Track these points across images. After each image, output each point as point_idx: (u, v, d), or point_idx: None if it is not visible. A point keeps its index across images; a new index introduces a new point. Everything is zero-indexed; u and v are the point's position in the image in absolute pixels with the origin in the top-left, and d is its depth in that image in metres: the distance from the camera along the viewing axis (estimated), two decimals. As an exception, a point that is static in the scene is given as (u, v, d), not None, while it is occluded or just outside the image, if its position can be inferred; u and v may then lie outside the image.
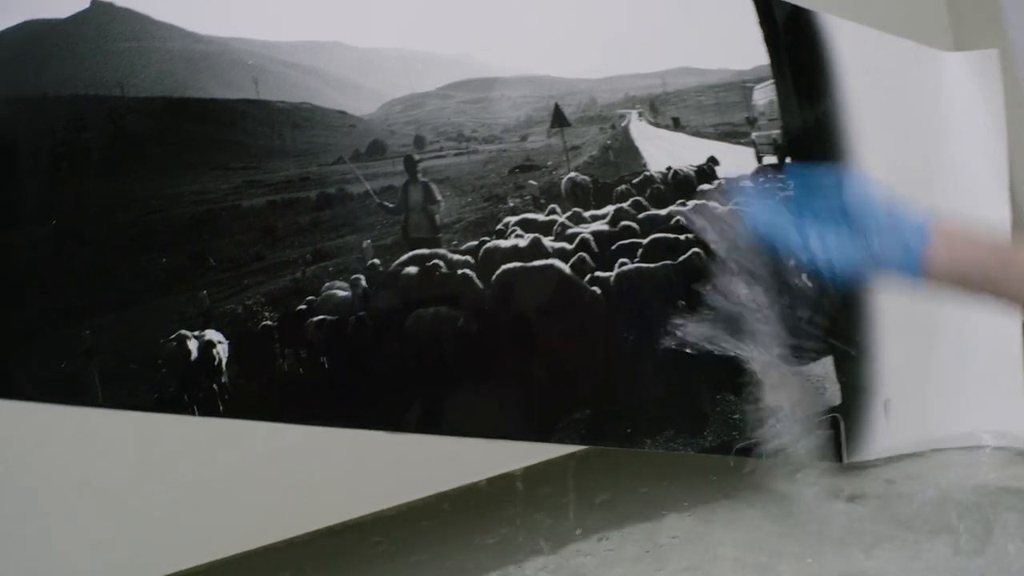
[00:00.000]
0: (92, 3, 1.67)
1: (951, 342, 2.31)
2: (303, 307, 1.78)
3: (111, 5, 1.68)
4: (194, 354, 1.69)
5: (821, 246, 1.38)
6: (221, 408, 1.70)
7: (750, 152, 2.24)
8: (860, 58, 2.33)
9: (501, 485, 1.97)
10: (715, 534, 1.99)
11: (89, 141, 1.65)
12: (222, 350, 1.72)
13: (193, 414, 1.68)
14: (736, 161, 2.22)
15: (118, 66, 1.68)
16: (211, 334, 1.71)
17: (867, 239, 1.36)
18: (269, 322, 1.75)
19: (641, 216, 2.08)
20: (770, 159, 2.25)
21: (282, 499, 1.73)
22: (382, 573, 1.90)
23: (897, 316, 2.27)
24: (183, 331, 1.69)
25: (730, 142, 2.23)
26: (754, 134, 2.25)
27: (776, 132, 2.24)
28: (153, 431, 1.67)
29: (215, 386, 1.70)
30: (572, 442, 1.95)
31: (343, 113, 1.86)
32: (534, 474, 2.00)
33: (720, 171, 2.19)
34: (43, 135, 1.62)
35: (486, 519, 2.00)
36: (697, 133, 2.21)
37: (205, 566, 1.69)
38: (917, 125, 2.39)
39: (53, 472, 1.60)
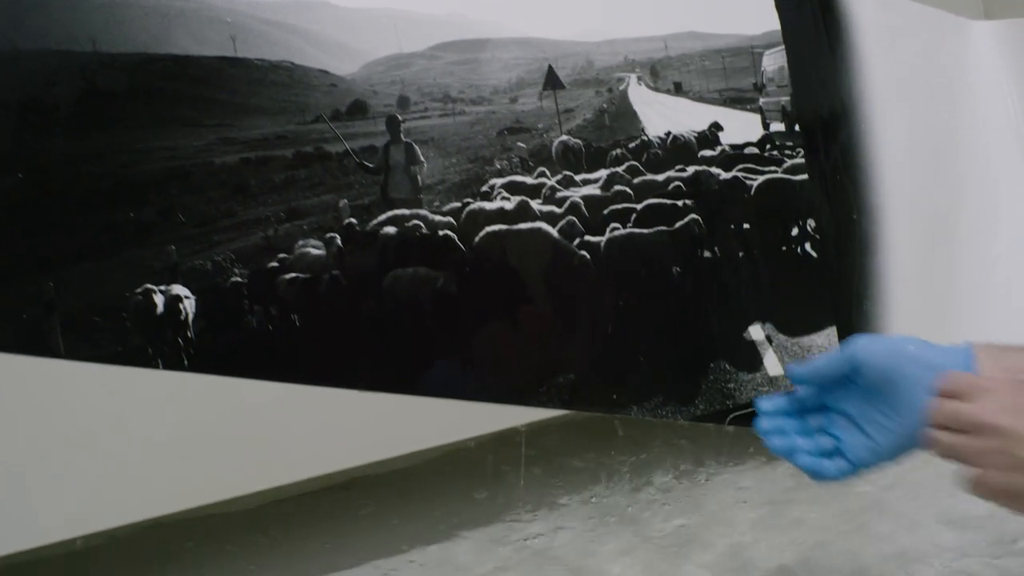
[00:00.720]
0: (67, -42, 1.68)
1: (967, 318, 2.24)
2: (275, 264, 1.77)
3: (86, -40, 1.69)
4: (160, 308, 1.68)
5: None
6: (186, 362, 1.69)
7: (756, 119, 2.19)
8: (882, 26, 2.27)
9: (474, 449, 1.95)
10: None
11: (59, 96, 1.65)
12: (189, 305, 1.71)
13: (157, 367, 1.67)
14: (741, 127, 2.17)
15: (91, 22, 1.68)
16: (178, 289, 1.71)
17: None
18: (238, 278, 1.74)
19: (636, 181, 2.04)
20: (778, 126, 2.20)
21: (246, 455, 1.72)
22: (352, 532, 1.89)
23: (908, 288, 2.20)
24: (149, 285, 1.68)
25: (735, 108, 2.18)
26: (761, 100, 2.20)
27: (785, 99, 2.19)
28: (117, 384, 1.66)
29: (180, 340, 1.70)
30: (554, 407, 1.93)
31: (324, 72, 1.86)
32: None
33: (724, 137, 2.14)
34: (12, 90, 1.62)
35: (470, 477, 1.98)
36: (700, 98, 2.17)
37: (168, 518, 1.68)
38: (941, 96, 2.32)
39: (12, 422, 1.60)
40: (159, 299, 1.69)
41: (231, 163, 1.76)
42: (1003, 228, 2.27)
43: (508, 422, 1.94)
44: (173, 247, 1.70)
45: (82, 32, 1.66)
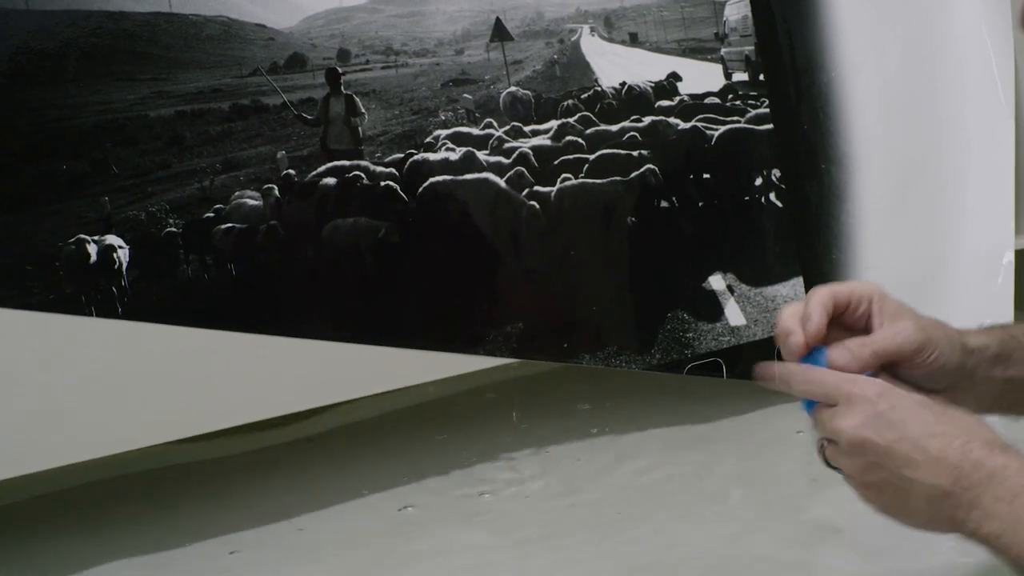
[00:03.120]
0: (-2, -84, 1.71)
1: (940, 268, 2.20)
2: (210, 215, 1.79)
3: (20, -80, 1.72)
4: (93, 257, 1.71)
5: None
6: (120, 310, 1.72)
7: (717, 69, 2.17)
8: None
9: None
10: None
11: (-10, 53, 1.68)
12: (122, 255, 1.74)
13: (91, 315, 1.69)
14: (701, 78, 2.15)
15: (24, -21, 1.71)
16: (111, 238, 1.73)
17: None
18: (173, 228, 1.76)
19: (589, 132, 2.03)
20: (741, 76, 2.17)
21: (179, 399, 1.74)
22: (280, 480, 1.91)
23: (881, 237, 2.16)
24: (82, 235, 1.70)
25: (695, 58, 2.17)
26: (723, 50, 2.18)
27: (749, 48, 2.17)
28: (49, 331, 1.68)
29: (114, 289, 1.72)
30: (502, 355, 1.92)
31: (261, 26, 1.88)
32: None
33: (683, 87, 2.12)
34: (-58, 47, 1.66)
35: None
36: (658, 49, 2.16)
37: (96, 461, 1.70)
38: (917, 43, 2.28)
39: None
40: (92, 248, 1.71)
41: (166, 116, 1.79)
42: (977, 175, 2.22)
43: (449, 371, 1.92)
44: (106, 198, 1.73)
45: (15, -10, 1.69)
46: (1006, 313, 2.12)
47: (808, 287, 2.11)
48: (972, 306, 2.13)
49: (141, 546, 1.79)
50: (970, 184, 2.23)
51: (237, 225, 1.80)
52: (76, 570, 1.74)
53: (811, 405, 1.21)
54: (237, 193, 1.81)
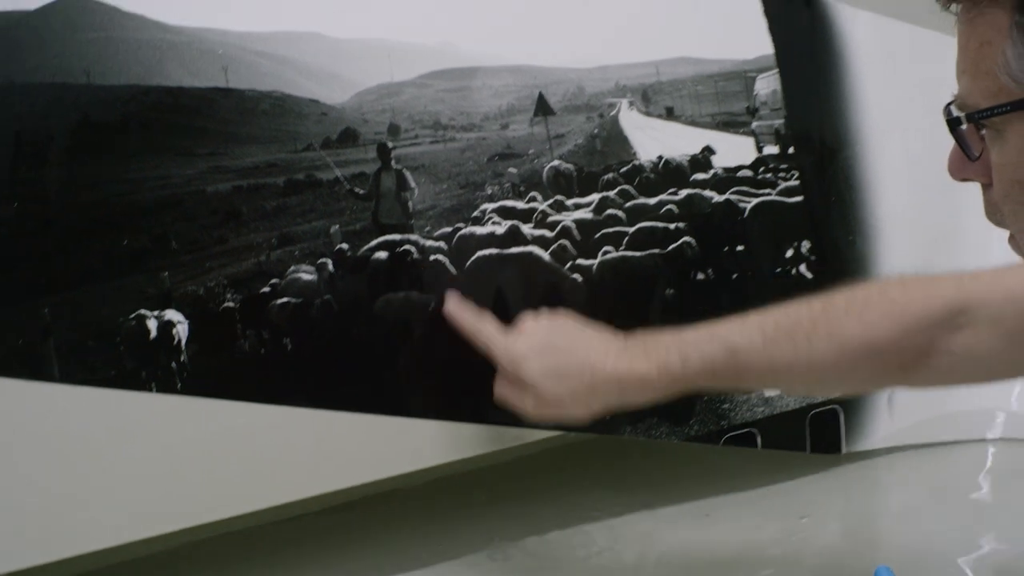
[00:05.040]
0: (61, -5, 1.72)
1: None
2: (266, 290, 1.81)
3: (80, -4, 1.73)
4: (153, 333, 1.72)
5: None
6: (179, 385, 1.73)
7: (749, 142, 2.22)
8: (876, 49, 2.29)
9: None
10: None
11: (53, 128, 1.69)
12: (181, 330, 1.75)
13: (151, 391, 1.71)
14: (734, 151, 2.19)
15: (85, 55, 1.73)
16: (171, 314, 1.74)
17: None
18: (231, 304, 1.77)
19: (628, 205, 2.07)
20: (771, 149, 2.22)
21: (239, 475, 1.75)
22: (348, 552, 1.92)
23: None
24: (143, 311, 1.72)
25: (728, 132, 2.21)
26: (755, 123, 2.23)
27: (779, 122, 2.21)
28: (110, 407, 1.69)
29: (174, 364, 1.73)
30: (549, 428, 1.94)
31: (315, 101, 1.89)
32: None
33: (717, 160, 2.16)
34: (7, 122, 1.67)
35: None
36: (692, 122, 2.20)
37: (159, 538, 1.71)
38: (937, 117, 2.33)
39: (8, 446, 1.64)
40: (152, 324, 1.72)
41: (223, 191, 1.80)
42: (998, 246, 2.27)
43: (500, 444, 1.95)
44: (166, 273, 1.74)
45: (76, 65, 1.70)
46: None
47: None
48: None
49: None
50: (992, 257, 2.28)
51: (292, 299, 1.81)
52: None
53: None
54: (292, 268, 1.82)
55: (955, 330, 1.39)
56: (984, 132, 1.45)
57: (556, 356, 1.60)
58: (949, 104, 1.48)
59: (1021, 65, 1.33)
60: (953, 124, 1.48)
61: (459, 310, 1.75)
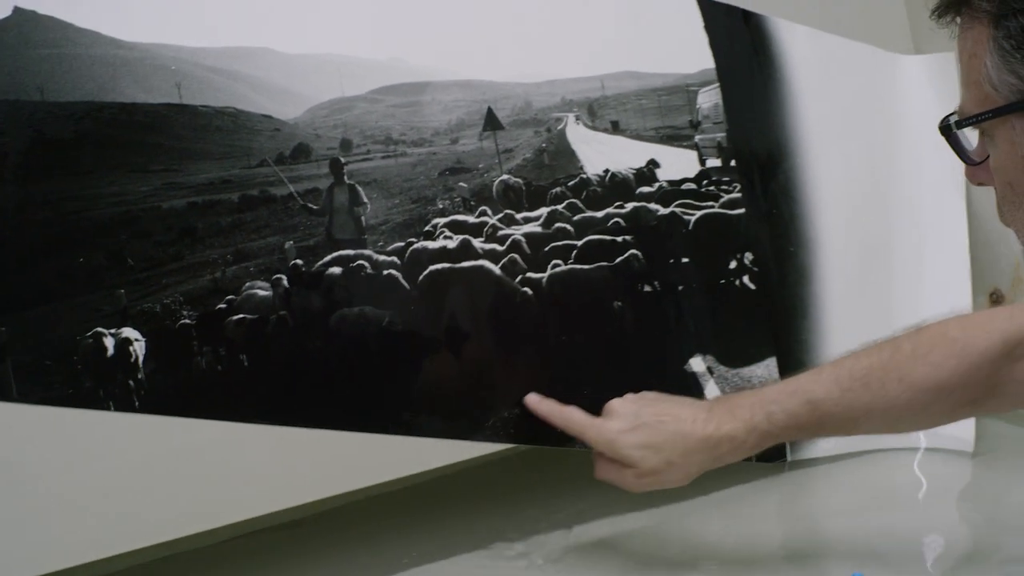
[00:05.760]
0: (14, 11, 1.71)
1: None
2: (223, 306, 1.81)
3: (34, 13, 1.72)
4: (110, 351, 1.71)
5: None
6: (137, 403, 1.73)
7: (693, 155, 2.25)
8: (815, 63, 2.34)
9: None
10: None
11: (7, 145, 1.68)
12: (139, 347, 1.74)
13: (109, 409, 1.70)
14: (678, 164, 2.22)
15: (39, 71, 1.72)
16: (128, 331, 1.73)
17: None
18: (187, 320, 1.77)
19: (576, 218, 2.09)
20: (714, 162, 2.25)
21: (197, 493, 1.75)
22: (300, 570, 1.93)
23: (844, 318, 2.26)
24: (99, 328, 1.71)
25: (672, 145, 2.24)
26: (697, 137, 2.26)
27: (721, 135, 2.25)
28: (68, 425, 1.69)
29: (131, 382, 1.73)
30: (501, 440, 1.96)
31: (268, 117, 1.90)
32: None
33: (661, 173, 2.20)
34: (-40, 140, 1.66)
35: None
36: (637, 136, 2.22)
37: (120, 556, 1.71)
38: (876, 129, 2.38)
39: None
40: (110, 342, 1.71)
41: (178, 207, 1.80)
42: (934, 256, 2.34)
43: (456, 456, 1.97)
44: (123, 291, 1.73)
45: (30, 82, 1.70)
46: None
47: (781, 367, 2.20)
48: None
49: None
50: (927, 265, 2.34)
51: (248, 316, 1.82)
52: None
53: None
54: (248, 284, 1.83)
55: (1016, 360, 1.52)
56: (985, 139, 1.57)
57: (648, 431, 1.72)
58: (951, 114, 1.61)
59: (1000, 75, 1.46)
60: (945, 131, 1.61)
61: (542, 404, 1.88)
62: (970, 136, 1.61)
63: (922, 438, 2.28)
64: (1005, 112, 1.48)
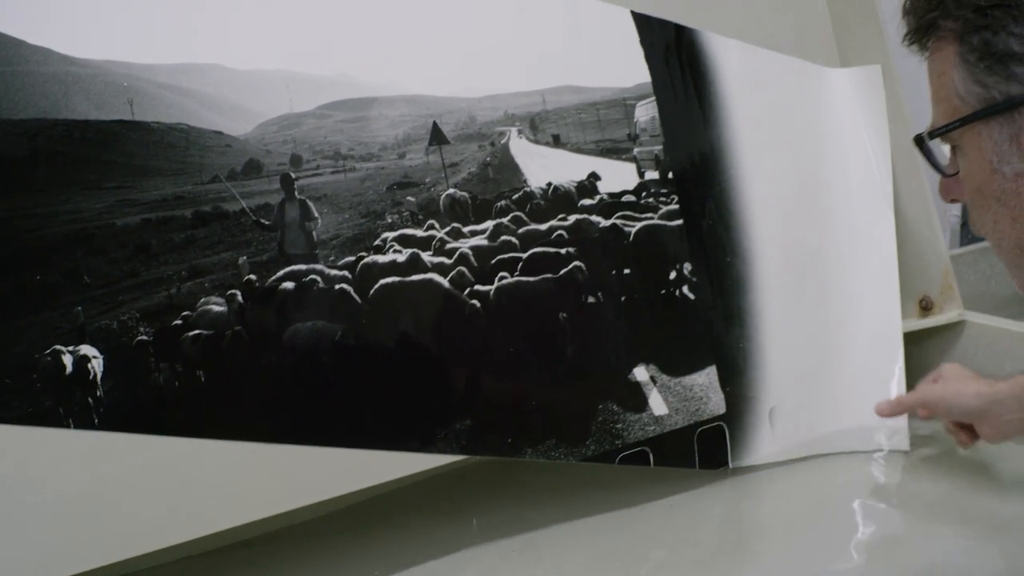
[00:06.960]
0: (-35, 29, 1.71)
1: (837, 351, 2.36)
2: (179, 322, 1.81)
3: (-16, 31, 1.72)
4: (69, 368, 1.71)
5: None
6: (96, 421, 1.73)
7: (632, 167, 2.29)
8: (746, 76, 2.39)
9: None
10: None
11: (-40, 163, 1.67)
12: (97, 364, 1.74)
13: (68, 427, 1.70)
14: (618, 176, 2.26)
15: (-10, 90, 1.71)
16: (86, 349, 1.74)
17: None
18: (144, 337, 1.78)
19: (521, 231, 2.12)
20: (652, 174, 2.30)
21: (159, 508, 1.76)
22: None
23: (780, 325, 2.31)
24: (58, 346, 1.71)
25: (612, 158, 2.28)
26: (636, 150, 2.30)
27: (658, 148, 2.29)
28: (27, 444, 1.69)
29: (90, 400, 1.73)
30: (453, 452, 1.99)
31: (219, 133, 1.91)
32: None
33: (602, 186, 2.23)
34: (-86, 158, 1.65)
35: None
36: (578, 149, 2.26)
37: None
38: (804, 140, 2.44)
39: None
40: (68, 359, 1.72)
41: (132, 224, 1.81)
42: (864, 262, 2.40)
43: (411, 468, 1.99)
44: (80, 308, 1.74)
45: (-18, 100, 1.69)
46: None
47: (721, 376, 2.24)
48: (865, 388, 2.30)
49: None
50: (858, 273, 2.41)
51: (204, 331, 1.83)
52: None
53: None
54: (203, 300, 1.84)
55: None
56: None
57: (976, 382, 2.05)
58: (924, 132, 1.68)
59: (966, 87, 1.55)
60: (919, 143, 1.68)
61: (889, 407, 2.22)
62: (945, 151, 1.67)
63: (862, 441, 2.32)
64: (972, 119, 1.56)
